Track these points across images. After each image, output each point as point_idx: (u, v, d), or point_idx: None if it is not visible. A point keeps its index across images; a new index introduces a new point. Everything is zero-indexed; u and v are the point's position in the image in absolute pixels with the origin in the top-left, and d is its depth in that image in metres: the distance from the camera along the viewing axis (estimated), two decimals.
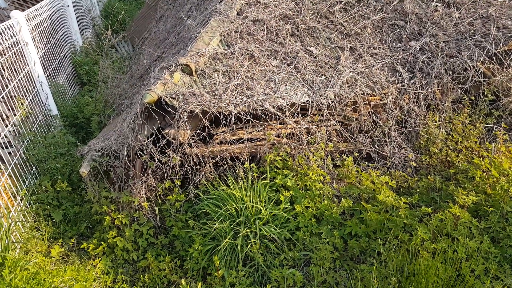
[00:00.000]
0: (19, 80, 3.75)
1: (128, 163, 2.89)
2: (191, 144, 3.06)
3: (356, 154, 3.47)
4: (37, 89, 4.12)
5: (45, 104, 4.24)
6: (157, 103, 3.03)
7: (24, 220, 3.02)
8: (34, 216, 3.12)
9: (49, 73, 4.90)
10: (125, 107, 4.02)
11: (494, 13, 4.09)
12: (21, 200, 3.11)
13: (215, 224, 2.73)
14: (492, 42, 3.76)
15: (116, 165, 2.95)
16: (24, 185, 3.23)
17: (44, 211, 3.12)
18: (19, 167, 3.24)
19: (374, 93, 3.56)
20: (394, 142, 3.53)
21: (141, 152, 2.97)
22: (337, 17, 4.21)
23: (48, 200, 3.16)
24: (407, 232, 2.57)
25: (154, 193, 2.95)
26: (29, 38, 4.17)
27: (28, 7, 6.48)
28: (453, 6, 4.26)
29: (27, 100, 3.80)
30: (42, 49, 4.80)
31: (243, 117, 3.10)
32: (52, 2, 5.69)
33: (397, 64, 3.79)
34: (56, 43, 5.47)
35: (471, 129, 3.53)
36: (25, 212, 3.06)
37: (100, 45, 7.38)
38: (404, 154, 3.48)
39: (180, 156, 2.99)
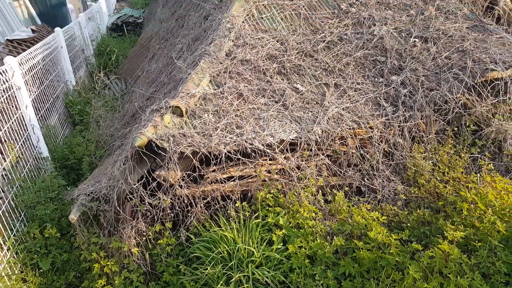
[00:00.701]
0: (10, 125, 3.79)
1: (118, 208, 2.89)
2: (181, 185, 3.08)
3: (347, 188, 3.52)
4: (28, 133, 4.16)
5: (36, 147, 4.26)
6: (148, 145, 3.08)
7: (10, 272, 2.96)
8: (20, 266, 3.07)
9: (42, 114, 4.95)
10: (117, 148, 4.06)
11: (469, 46, 4.29)
12: (8, 250, 3.07)
13: (207, 269, 2.71)
14: (469, 74, 3.92)
15: (106, 210, 2.95)
16: (12, 233, 3.20)
17: (32, 260, 3.07)
18: (7, 215, 3.22)
19: (360, 127, 3.65)
20: (382, 175, 3.59)
21: (131, 196, 2.99)
22: (321, 55, 4.37)
23: (36, 248, 3.12)
24: (400, 270, 2.58)
25: (145, 238, 2.94)
26: (22, 82, 4.26)
27: (23, 49, 6.62)
28: (431, 41, 4.46)
29: (18, 144, 3.83)
30: (35, 92, 4.88)
31: (233, 156, 3.15)
32: (45, 45, 5.84)
33: (381, 99, 3.91)
34: (49, 84, 5.57)
35: (456, 159, 3.61)
36: (12, 263, 3.01)
37: (93, 84, 7.51)
38: (393, 187, 3.53)
39: (171, 198, 3.01)
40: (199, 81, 3.78)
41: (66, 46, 6.86)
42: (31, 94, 4.61)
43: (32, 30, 7.97)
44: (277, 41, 4.47)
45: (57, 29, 6.68)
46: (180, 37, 6.03)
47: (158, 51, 6.87)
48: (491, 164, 3.46)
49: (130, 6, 17.30)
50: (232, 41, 4.33)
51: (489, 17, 5.25)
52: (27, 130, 4.14)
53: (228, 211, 3.13)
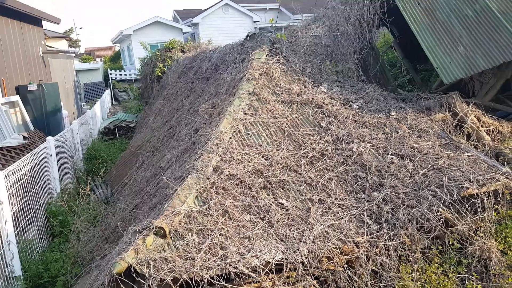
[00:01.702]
0: None
1: None
2: None
3: None
4: (3, 250, 3.99)
5: (9, 265, 4.05)
6: (127, 270, 2.97)
7: None
8: None
9: (21, 227, 4.81)
10: (95, 266, 3.88)
11: (444, 164, 4.55)
12: None
13: None
14: (446, 192, 4.08)
15: None
16: None
17: None
18: None
19: (346, 246, 3.63)
20: None
21: None
22: (305, 170, 4.55)
23: None
24: None
25: None
26: (5, 196, 4.23)
27: (12, 157, 6.70)
28: (407, 159, 4.73)
29: None
30: (17, 204, 4.81)
31: (216, 282, 3.04)
32: (35, 154, 5.96)
33: (364, 215, 3.98)
34: (34, 195, 5.53)
35: (444, 280, 3.55)
36: None
37: (79, 190, 7.48)
38: None
39: None
40: (185, 198, 3.83)
41: (55, 154, 7.00)
42: (13, 208, 4.54)
43: (24, 136, 8.20)
44: (262, 156, 4.68)
45: (49, 138, 6.89)
46: (170, 148, 6.27)
47: (147, 159, 7.05)
48: (479, 285, 3.40)
49: (124, 110, 18.22)
50: (220, 156, 4.51)
51: (459, 134, 5.69)
52: (2, 247, 3.98)
53: None
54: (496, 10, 6.18)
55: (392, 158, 4.77)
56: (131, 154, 8.31)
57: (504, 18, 6.08)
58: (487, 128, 6.01)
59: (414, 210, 3.95)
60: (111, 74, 23.14)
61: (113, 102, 21.92)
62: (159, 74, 13.47)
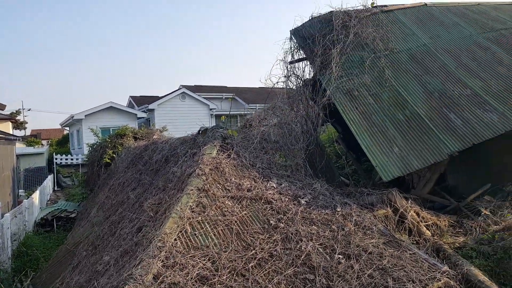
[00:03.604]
0: None
1: None
2: None
3: None
4: None
5: None
6: None
7: None
8: None
9: None
10: None
11: (388, 264, 4.61)
12: None
13: None
14: None
15: None
16: None
17: None
18: None
19: None
20: None
21: None
22: (253, 274, 4.38)
23: None
24: None
25: None
26: None
27: None
28: (353, 258, 4.75)
29: None
30: None
31: None
32: None
33: None
34: None
35: None
36: None
37: None
38: None
39: None
40: None
41: None
42: None
43: None
44: (208, 260, 4.48)
45: None
46: (109, 248, 5.85)
47: (84, 259, 6.47)
48: None
49: (66, 198, 17.14)
50: (162, 261, 4.26)
51: (401, 230, 5.90)
52: None
53: None
54: (424, 116, 6.97)
55: (339, 258, 4.77)
56: (67, 252, 7.61)
57: (431, 123, 6.83)
58: (427, 223, 6.32)
59: None
60: (56, 158, 22.20)
61: (56, 188, 20.68)
62: (108, 161, 13.16)
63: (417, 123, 6.88)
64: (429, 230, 6.21)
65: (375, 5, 9.69)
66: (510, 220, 6.57)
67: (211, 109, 28.58)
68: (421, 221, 6.24)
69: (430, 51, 8.42)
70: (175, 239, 4.69)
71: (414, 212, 6.23)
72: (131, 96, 31.87)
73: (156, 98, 27.99)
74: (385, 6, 9.81)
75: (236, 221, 5.27)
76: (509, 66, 7.86)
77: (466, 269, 4.84)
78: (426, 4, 10.35)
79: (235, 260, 4.54)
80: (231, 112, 29.60)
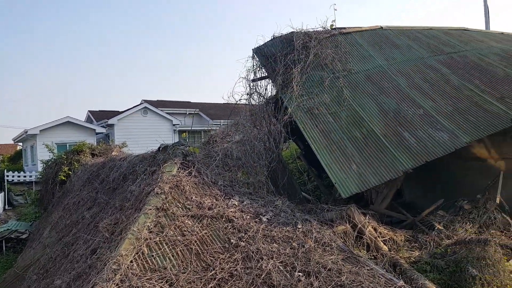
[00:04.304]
0: None
1: None
2: None
3: None
4: None
5: None
6: None
7: None
8: None
9: None
10: None
11: (346, 280, 4.67)
12: None
13: None
14: None
15: None
16: None
17: None
18: None
19: None
20: None
21: None
22: None
23: None
24: None
25: None
26: None
27: None
28: (313, 275, 4.77)
29: None
30: None
31: None
32: None
33: None
34: None
35: None
36: None
37: None
38: None
39: None
40: None
41: None
42: None
43: None
44: (166, 282, 4.34)
45: None
46: (62, 271, 5.53)
47: (34, 283, 6.07)
48: None
49: (18, 217, 16.10)
50: (117, 284, 4.08)
51: (359, 245, 6.03)
52: None
53: None
54: (380, 134, 7.24)
55: (299, 275, 4.77)
56: (15, 276, 7.11)
57: (386, 141, 7.11)
58: (384, 238, 6.50)
59: None
60: (7, 176, 20.88)
61: (7, 207, 19.38)
62: (63, 178, 12.55)
63: (373, 141, 7.14)
64: (386, 245, 6.38)
65: (334, 27, 10.10)
66: (462, 234, 6.92)
67: (174, 125, 28.17)
68: (378, 236, 6.41)
69: (385, 72, 8.84)
70: (131, 261, 4.51)
71: (372, 227, 6.40)
72: (89, 111, 30.78)
73: (116, 113, 27.22)
74: (344, 28, 10.24)
75: (196, 241, 5.17)
76: (457, 87, 8.40)
77: (421, 283, 5.01)
78: (382, 28, 10.92)
79: (194, 282, 4.42)
80: (194, 128, 29.36)
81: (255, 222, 5.90)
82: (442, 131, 7.27)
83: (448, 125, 7.38)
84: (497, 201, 7.54)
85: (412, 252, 6.39)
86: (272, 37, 9.34)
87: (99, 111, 31.08)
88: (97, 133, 24.69)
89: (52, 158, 14.78)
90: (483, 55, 9.76)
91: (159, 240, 4.98)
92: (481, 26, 18.45)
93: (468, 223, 7.18)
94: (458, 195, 7.88)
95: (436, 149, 6.93)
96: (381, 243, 6.32)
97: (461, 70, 9.04)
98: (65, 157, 13.36)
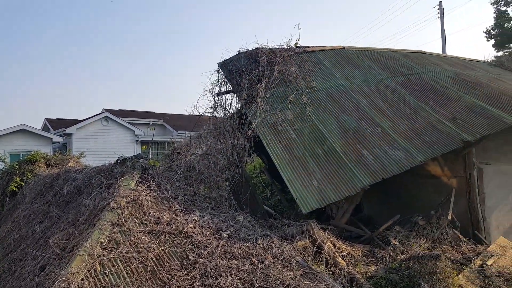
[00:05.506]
0: None
1: None
2: None
3: None
4: None
5: None
6: None
7: None
8: None
9: None
10: None
11: None
12: None
13: None
14: None
15: None
16: None
17: None
18: None
19: None
20: None
21: None
22: None
23: None
24: None
25: None
26: None
27: None
28: None
29: None
30: None
31: None
32: None
33: None
34: None
35: None
36: None
37: None
38: None
39: None
40: None
41: None
42: None
43: None
44: None
45: None
46: None
47: None
48: None
49: None
50: None
51: (318, 261, 6.08)
52: None
53: None
54: (340, 151, 7.42)
55: None
56: None
57: (346, 158, 7.30)
58: (342, 253, 6.60)
59: None
60: None
61: None
62: (15, 189, 11.82)
63: (334, 158, 7.30)
64: (344, 260, 6.48)
65: (298, 45, 10.34)
66: (416, 249, 7.16)
67: (136, 135, 27.49)
68: (337, 251, 6.50)
69: (346, 91, 9.14)
70: (82, 279, 4.29)
71: (331, 242, 6.49)
72: (47, 119, 29.41)
73: (75, 122, 26.22)
74: (308, 47, 10.52)
75: (152, 258, 5.00)
76: (413, 108, 8.81)
77: None
78: (344, 48, 11.32)
79: None
80: (157, 139, 28.75)
81: (215, 238, 5.82)
82: (399, 149, 7.57)
83: (404, 144, 7.70)
84: (449, 217, 7.89)
85: (369, 267, 6.52)
86: (237, 52, 9.42)
87: (57, 119, 29.80)
88: (53, 142, 23.59)
89: (3, 167, 13.92)
90: (438, 78, 10.35)
91: (113, 257, 4.78)
92: (439, 47, 19.52)
93: (422, 239, 7.45)
94: (414, 210, 8.17)
95: (393, 167, 7.18)
96: (339, 258, 6.41)
97: (417, 91, 9.51)
98: (17, 166, 12.61)
